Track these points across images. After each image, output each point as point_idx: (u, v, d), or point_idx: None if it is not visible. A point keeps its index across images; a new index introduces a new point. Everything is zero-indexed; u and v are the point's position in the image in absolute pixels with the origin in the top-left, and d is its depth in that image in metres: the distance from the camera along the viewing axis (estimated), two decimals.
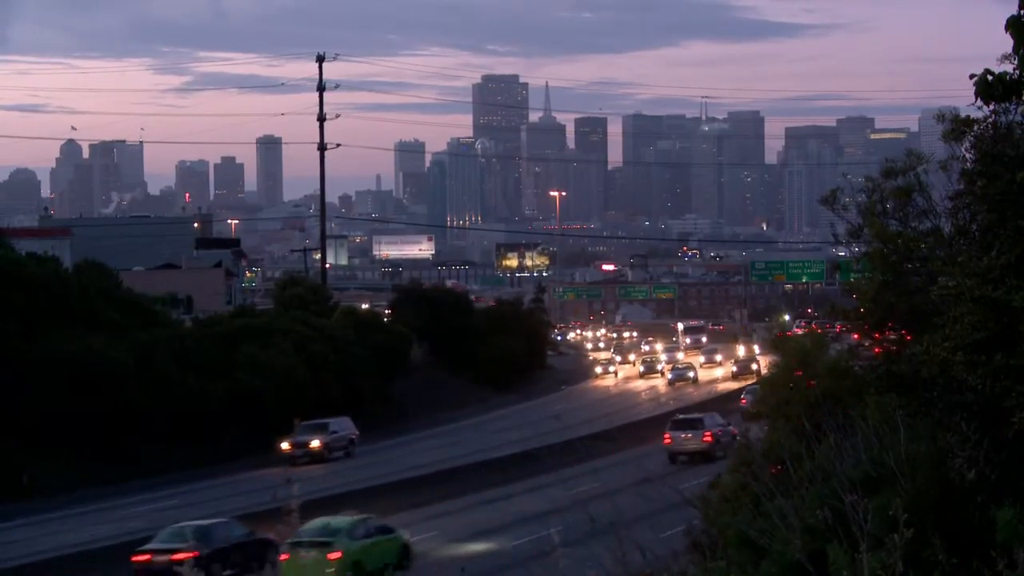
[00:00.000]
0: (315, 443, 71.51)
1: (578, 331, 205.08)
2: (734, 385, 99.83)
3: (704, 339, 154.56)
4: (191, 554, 39.00)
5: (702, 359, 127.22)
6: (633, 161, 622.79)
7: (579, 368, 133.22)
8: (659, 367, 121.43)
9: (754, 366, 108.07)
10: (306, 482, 54.83)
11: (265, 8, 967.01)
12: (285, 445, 70.33)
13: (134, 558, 41.89)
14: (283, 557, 39.84)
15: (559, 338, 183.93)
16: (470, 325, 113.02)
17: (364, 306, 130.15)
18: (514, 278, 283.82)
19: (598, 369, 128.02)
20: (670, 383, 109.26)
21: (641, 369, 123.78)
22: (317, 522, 40.22)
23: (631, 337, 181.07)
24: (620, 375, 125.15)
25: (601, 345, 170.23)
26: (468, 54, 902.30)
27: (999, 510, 12.82)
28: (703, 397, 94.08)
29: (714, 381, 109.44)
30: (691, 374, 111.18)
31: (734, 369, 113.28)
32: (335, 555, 39.37)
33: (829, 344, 34.76)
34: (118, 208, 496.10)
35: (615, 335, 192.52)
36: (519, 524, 47.66)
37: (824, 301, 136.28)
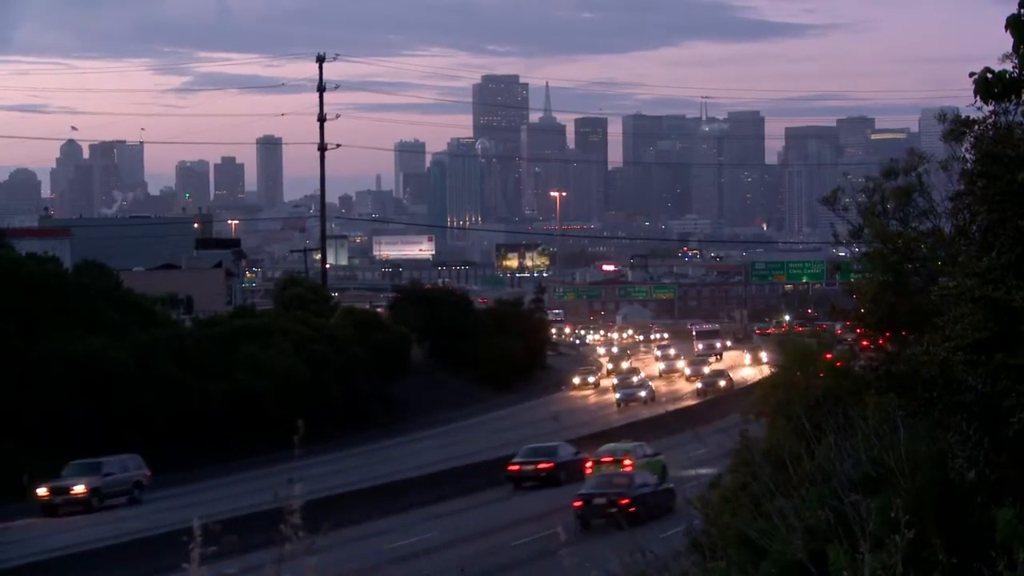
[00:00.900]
0: (79, 488, 59.43)
1: (602, 332, 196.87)
2: (692, 403, 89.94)
3: (719, 345, 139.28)
4: (549, 464, 58.30)
5: (688, 371, 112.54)
6: (633, 161, 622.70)
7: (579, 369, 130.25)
8: (635, 379, 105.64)
9: (722, 383, 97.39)
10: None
11: (265, 8, 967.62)
12: (42, 491, 59.34)
13: (509, 467, 59.64)
14: (588, 469, 54.83)
15: (577, 341, 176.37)
16: (470, 325, 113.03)
17: (364, 306, 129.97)
18: (514, 278, 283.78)
19: (576, 379, 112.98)
20: (618, 404, 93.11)
21: (614, 381, 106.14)
22: (608, 446, 58.24)
23: (660, 340, 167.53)
24: (601, 385, 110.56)
25: (615, 349, 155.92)
26: (468, 54, 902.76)
27: (999, 510, 12.82)
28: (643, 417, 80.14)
29: (677, 399, 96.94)
30: (643, 393, 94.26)
31: (698, 385, 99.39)
32: (628, 466, 53.22)
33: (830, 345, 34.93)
34: (120, 208, 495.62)
35: (641, 337, 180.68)
36: (519, 524, 47.75)
37: (824, 301, 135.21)
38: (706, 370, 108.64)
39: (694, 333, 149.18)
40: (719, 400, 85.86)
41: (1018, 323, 14.43)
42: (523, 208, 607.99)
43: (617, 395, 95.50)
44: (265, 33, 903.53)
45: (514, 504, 54.70)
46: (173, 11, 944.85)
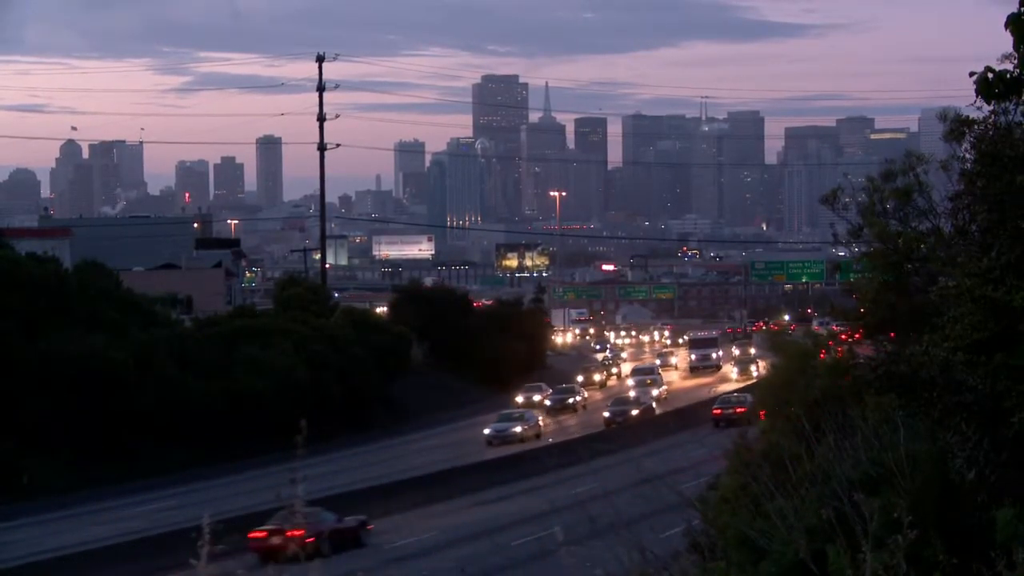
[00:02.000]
0: None
1: (632, 334, 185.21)
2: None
3: (715, 355, 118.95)
4: (743, 409, 67.29)
5: (633, 393, 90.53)
6: (633, 161, 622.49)
7: (580, 369, 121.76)
8: (573, 400, 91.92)
9: (635, 411, 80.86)
10: None
11: (266, 9, 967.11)
12: None
13: (713, 411, 74.64)
14: (717, 412, 73.85)
15: (597, 346, 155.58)
16: (470, 325, 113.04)
17: (364, 306, 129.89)
18: (514, 278, 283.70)
19: (519, 398, 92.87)
20: (488, 442, 75.36)
21: (547, 403, 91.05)
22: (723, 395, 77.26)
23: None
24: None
25: (618, 355, 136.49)
26: (468, 54, 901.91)
27: (999, 510, 12.83)
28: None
29: (580, 430, 79.51)
30: (518, 429, 76.17)
31: (606, 414, 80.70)
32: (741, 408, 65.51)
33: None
34: (123, 207, 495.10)
35: (668, 341, 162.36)
36: (519, 524, 47.76)
37: (824, 301, 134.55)
38: (655, 392, 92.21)
39: (688, 341, 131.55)
40: (610, 434, 72.01)
41: (1018, 323, 14.44)
42: (523, 208, 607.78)
43: (486, 431, 77.08)
44: (265, 33, 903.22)
45: (514, 504, 54.73)
46: (173, 11, 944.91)
